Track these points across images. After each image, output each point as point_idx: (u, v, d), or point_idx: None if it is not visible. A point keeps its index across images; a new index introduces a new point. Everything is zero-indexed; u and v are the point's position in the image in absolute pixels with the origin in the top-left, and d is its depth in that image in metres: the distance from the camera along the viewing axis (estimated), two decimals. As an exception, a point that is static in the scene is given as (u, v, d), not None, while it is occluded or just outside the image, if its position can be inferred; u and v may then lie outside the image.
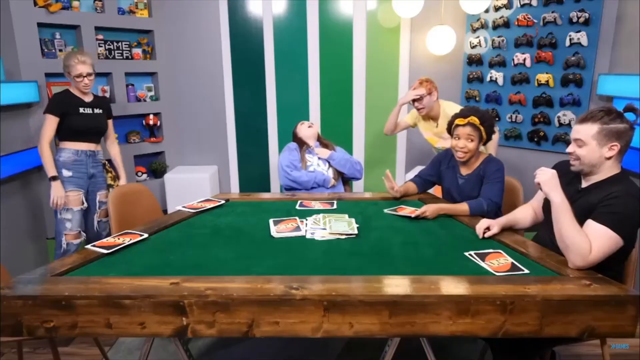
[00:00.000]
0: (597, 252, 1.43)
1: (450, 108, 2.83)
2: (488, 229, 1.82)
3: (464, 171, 2.26)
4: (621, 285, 1.36)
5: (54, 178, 2.60)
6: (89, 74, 2.66)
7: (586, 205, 1.55)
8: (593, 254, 1.43)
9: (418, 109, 2.89)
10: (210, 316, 1.30)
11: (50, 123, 2.59)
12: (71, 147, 2.68)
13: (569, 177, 1.69)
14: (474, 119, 2.11)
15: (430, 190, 2.54)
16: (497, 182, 2.11)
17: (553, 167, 1.68)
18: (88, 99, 2.75)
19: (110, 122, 2.90)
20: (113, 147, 2.99)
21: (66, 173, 2.66)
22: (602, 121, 1.52)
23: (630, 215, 1.48)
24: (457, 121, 2.15)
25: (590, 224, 1.48)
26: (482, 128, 2.11)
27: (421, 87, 2.82)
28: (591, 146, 1.53)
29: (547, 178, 1.53)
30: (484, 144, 2.20)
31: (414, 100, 2.85)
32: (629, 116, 1.57)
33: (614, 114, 1.53)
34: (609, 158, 1.54)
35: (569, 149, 1.62)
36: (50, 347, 1.76)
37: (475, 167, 2.22)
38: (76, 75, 2.62)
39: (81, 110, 2.69)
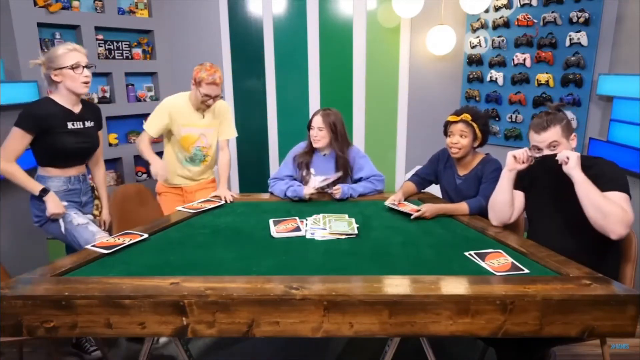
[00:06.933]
0: (629, 212, 1.57)
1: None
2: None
3: (462, 171, 2.26)
4: (621, 285, 1.36)
5: (44, 191, 1.98)
6: (88, 66, 2.00)
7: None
8: (628, 213, 1.56)
9: None
10: (210, 316, 1.30)
11: (21, 140, 1.95)
12: (60, 175, 2.05)
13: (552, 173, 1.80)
14: (466, 116, 2.15)
15: (430, 189, 2.54)
16: (496, 181, 2.12)
17: (537, 162, 1.85)
18: (77, 108, 2.08)
19: (100, 135, 2.23)
20: (98, 171, 2.30)
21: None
22: (557, 121, 1.72)
23: (620, 173, 1.68)
24: (450, 118, 2.20)
25: (606, 194, 1.60)
26: (474, 125, 2.14)
27: None
28: (564, 143, 1.73)
29: (576, 157, 1.64)
30: (481, 145, 2.21)
31: None
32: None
33: (557, 114, 1.75)
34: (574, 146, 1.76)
35: (547, 153, 1.75)
36: (50, 347, 1.76)
37: (472, 167, 2.22)
38: (73, 67, 1.95)
39: (70, 125, 2.03)
